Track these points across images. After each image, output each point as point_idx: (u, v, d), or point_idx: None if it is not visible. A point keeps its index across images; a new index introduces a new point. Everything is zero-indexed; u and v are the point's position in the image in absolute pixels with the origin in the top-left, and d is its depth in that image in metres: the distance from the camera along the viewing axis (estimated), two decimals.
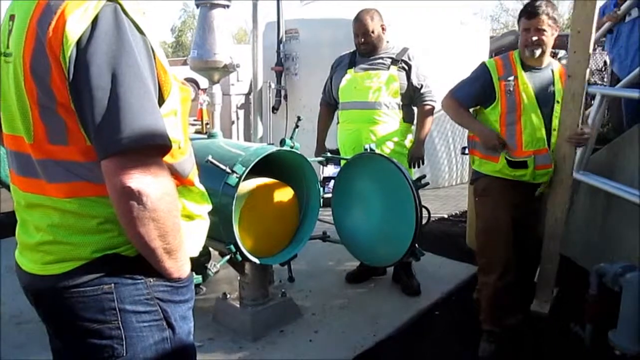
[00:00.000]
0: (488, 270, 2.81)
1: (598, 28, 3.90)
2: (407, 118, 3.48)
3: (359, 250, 3.15)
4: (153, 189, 1.10)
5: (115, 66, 1.08)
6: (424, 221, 2.86)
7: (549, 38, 2.68)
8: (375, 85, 3.39)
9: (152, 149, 1.11)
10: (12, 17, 1.21)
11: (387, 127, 3.41)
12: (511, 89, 2.71)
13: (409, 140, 3.51)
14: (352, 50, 3.59)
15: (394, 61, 3.40)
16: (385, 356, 2.88)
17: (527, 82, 2.71)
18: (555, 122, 2.76)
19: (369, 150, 3.04)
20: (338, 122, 3.66)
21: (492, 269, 2.78)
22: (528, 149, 2.72)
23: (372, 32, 3.40)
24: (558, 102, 2.75)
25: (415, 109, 3.53)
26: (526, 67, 2.75)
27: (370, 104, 3.40)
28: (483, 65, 2.85)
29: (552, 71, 2.78)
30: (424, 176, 3.00)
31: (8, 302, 3.11)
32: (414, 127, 3.55)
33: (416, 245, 2.87)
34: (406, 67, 3.41)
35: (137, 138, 1.07)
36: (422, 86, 3.42)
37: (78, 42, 1.07)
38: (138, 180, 1.08)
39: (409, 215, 2.81)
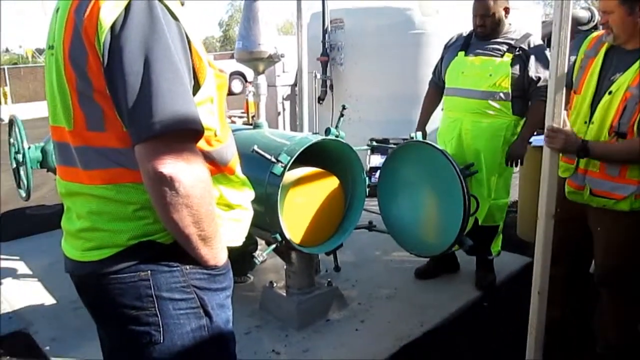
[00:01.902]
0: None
1: None
2: (517, 111, 3.13)
3: (406, 240, 3.11)
4: (186, 175, 1.10)
5: (147, 51, 1.08)
6: (471, 210, 2.80)
7: (621, 17, 2.19)
8: (485, 73, 3.09)
9: (184, 134, 1.11)
10: (57, 10, 1.25)
11: (492, 120, 3.12)
12: (584, 65, 2.38)
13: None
14: (470, 30, 3.29)
15: (511, 48, 3.08)
16: (432, 347, 2.84)
17: (600, 65, 2.31)
18: (595, 115, 2.28)
19: (415, 138, 2.99)
20: (442, 109, 3.43)
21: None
22: None
23: (493, 13, 3.09)
24: (610, 92, 2.23)
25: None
26: (615, 48, 2.30)
27: (476, 93, 3.11)
28: (582, 38, 2.51)
29: None
30: (472, 164, 2.93)
31: (65, 289, 3.24)
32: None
33: (464, 234, 2.82)
34: (524, 56, 3.07)
35: (169, 123, 1.07)
36: (539, 79, 3.04)
37: (112, 28, 1.09)
38: (170, 166, 1.09)
39: (456, 204, 2.75)
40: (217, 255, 1.26)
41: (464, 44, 3.24)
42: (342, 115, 3.01)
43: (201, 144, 1.20)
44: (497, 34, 3.16)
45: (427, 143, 2.97)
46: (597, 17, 6.39)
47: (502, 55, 3.09)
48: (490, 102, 3.09)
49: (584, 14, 6.37)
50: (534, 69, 3.06)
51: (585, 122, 2.30)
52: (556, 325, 2.71)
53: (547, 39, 7.56)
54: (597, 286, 2.50)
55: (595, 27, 6.31)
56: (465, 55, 3.20)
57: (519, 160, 3.20)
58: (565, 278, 2.63)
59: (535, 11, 7.35)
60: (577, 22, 6.37)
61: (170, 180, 1.09)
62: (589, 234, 2.56)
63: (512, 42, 3.10)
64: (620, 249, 2.36)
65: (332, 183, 2.86)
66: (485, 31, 3.15)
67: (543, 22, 7.18)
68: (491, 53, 3.12)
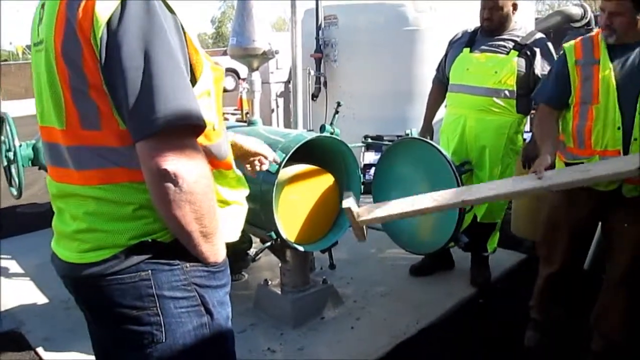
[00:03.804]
0: (544, 262, 2.68)
1: None
2: (522, 109, 3.10)
3: (401, 237, 3.10)
4: (189, 171, 1.09)
5: (147, 46, 1.06)
6: (467, 208, 2.79)
7: (628, 20, 2.18)
8: (491, 70, 3.06)
9: (186, 129, 1.10)
10: (42, 6, 1.22)
11: (496, 118, 3.09)
12: (588, 75, 2.30)
13: (521, 135, 3.20)
14: (475, 27, 3.25)
15: (517, 45, 3.04)
16: (428, 344, 2.84)
17: (611, 67, 2.25)
18: None
19: (410, 135, 2.98)
20: (446, 106, 3.40)
21: (549, 264, 2.64)
22: (596, 148, 2.31)
23: (501, 8, 3.05)
24: None
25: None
26: (615, 46, 2.26)
27: (481, 90, 3.08)
28: (562, 52, 2.46)
29: None
30: (468, 161, 2.92)
31: (56, 288, 3.20)
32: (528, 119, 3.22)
33: (460, 231, 2.81)
34: (529, 53, 3.03)
35: (172, 118, 1.06)
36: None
37: (108, 23, 1.07)
38: (174, 162, 1.07)
39: None
40: (218, 251, 1.25)
41: (469, 41, 3.21)
42: (336, 112, 3.00)
43: (200, 139, 1.18)
44: (503, 30, 3.13)
45: (422, 140, 2.96)
46: (590, 14, 6.39)
47: (507, 52, 3.06)
48: (495, 99, 3.06)
49: (576, 11, 6.36)
50: (539, 67, 3.03)
51: (619, 128, 2.23)
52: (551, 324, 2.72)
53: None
54: (615, 286, 2.46)
55: (588, 24, 6.31)
56: (471, 51, 3.17)
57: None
58: (561, 277, 2.63)
59: (529, 7, 7.36)
60: (569, 19, 6.37)
61: (174, 176, 1.07)
62: (590, 235, 2.57)
63: (518, 39, 3.07)
64: None
65: (326, 180, 2.85)
66: (492, 25, 3.11)
67: (536, 18, 7.17)
68: (497, 50, 3.09)
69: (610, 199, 2.34)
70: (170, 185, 1.08)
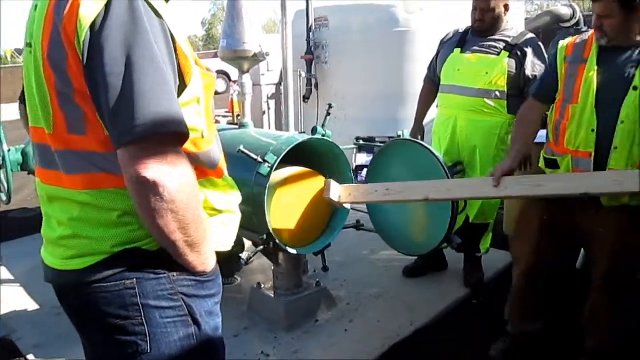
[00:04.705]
0: (515, 263, 2.67)
1: None
2: (512, 110, 3.00)
3: (394, 239, 3.10)
4: (170, 180, 1.06)
5: (129, 51, 1.04)
6: (460, 208, 2.79)
7: (618, 23, 2.14)
8: (482, 71, 3.06)
9: (168, 137, 1.07)
10: (35, 7, 1.20)
11: (487, 119, 3.09)
12: (573, 73, 2.27)
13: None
14: (466, 27, 3.25)
15: (508, 45, 3.04)
16: (422, 345, 2.83)
17: (596, 68, 2.21)
18: (624, 113, 2.14)
19: (402, 136, 2.98)
20: (437, 106, 3.39)
21: (518, 262, 2.62)
22: (568, 147, 2.30)
23: (493, 9, 3.04)
24: (635, 88, 2.13)
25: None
26: (607, 48, 2.22)
27: (472, 91, 3.07)
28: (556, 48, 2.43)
29: None
30: (460, 162, 2.92)
31: (47, 294, 3.18)
32: None
33: (452, 232, 2.81)
34: (519, 54, 3.03)
35: (152, 126, 1.03)
36: (535, 78, 2.97)
37: (92, 26, 1.05)
38: (154, 170, 1.04)
39: (444, 202, 2.74)
40: (206, 261, 1.22)
41: (460, 41, 3.20)
42: (328, 114, 2.99)
43: (188, 146, 1.16)
44: (495, 31, 3.13)
45: (414, 141, 2.96)
46: (579, 14, 6.42)
47: (498, 53, 3.06)
48: (485, 100, 3.06)
49: (565, 11, 6.40)
50: (530, 68, 3.03)
51: (593, 130, 2.21)
52: (539, 338, 2.66)
53: None
54: (598, 288, 2.43)
55: (577, 24, 6.35)
56: (462, 52, 3.16)
57: (529, 163, 3.11)
58: (545, 288, 2.59)
59: (519, 8, 7.39)
60: (559, 19, 6.40)
61: (154, 185, 1.04)
62: (573, 244, 2.55)
63: (509, 40, 3.07)
64: (632, 249, 2.31)
65: (319, 182, 2.83)
66: (484, 26, 3.11)
67: (526, 19, 7.21)
68: (488, 50, 3.09)
69: (584, 201, 2.30)
70: (150, 194, 1.05)
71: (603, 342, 2.49)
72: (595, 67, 2.22)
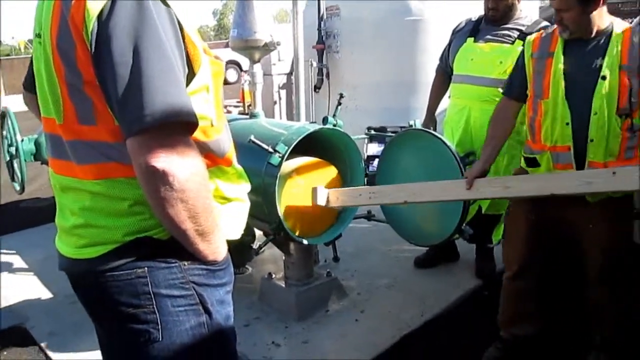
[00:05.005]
0: (505, 265, 2.64)
1: None
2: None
3: (405, 229, 3.09)
4: (180, 169, 1.06)
5: (137, 40, 1.04)
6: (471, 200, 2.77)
7: (576, 15, 2.12)
8: (495, 60, 3.00)
9: (177, 126, 1.07)
10: None
11: None
12: (541, 68, 2.25)
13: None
14: (479, 16, 3.18)
15: (523, 34, 2.95)
16: (433, 336, 2.83)
17: (562, 61, 2.19)
18: (597, 104, 2.12)
19: (413, 126, 2.96)
20: (449, 96, 3.35)
21: (508, 265, 2.59)
22: (546, 143, 2.25)
23: None
24: (604, 77, 2.11)
25: None
26: (571, 41, 2.20)
27: (485, 80, 3.02)
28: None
29: (610, 37, 2.15)
30: (473, 152, 2.90)
31: (61, 282, 3.21)
32: None
33: (464, 223, 2.79)
34: None
35: (161, 115, 1.03)
36: None
37: (99, 16, 1.04)
38: (163, 159, 1.04)
39: None
40: (216, 250, 1.22)
41: (473, 30, 3.15)
42: (339, 103, 2.97)
43: (198, 135, 1.15)
44: (508, 19, 3.07)
45: (426, 131, 2.94)
46: None
47: (512, 42, 3.00)
48: (499, 89, 3.00)
49: None
50: None
51: (567, 124, 2.18)
52: (534, 341, 2.60)
53: None
54: (595, 284, 2.40)
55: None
56: (475, 41, 3.11)
57: None
58: (537, 290, 2.55)
59: None
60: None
61: (164, 174, 1.04)
62: (564, 241, 2.49)
63: (523, 29, 3.01)
64: (622, 242, 2.31)
65: (330, 172, 2.83)
66: (497, 15, 3.05)
67: (540, 7, 7.11)
68: (501, 39, 3.04)
69: (572, 197, 2.22)
70: (160, 183, 1.05)
71: (609, 336, 2.47)
72: (562, 60, 2.20)
